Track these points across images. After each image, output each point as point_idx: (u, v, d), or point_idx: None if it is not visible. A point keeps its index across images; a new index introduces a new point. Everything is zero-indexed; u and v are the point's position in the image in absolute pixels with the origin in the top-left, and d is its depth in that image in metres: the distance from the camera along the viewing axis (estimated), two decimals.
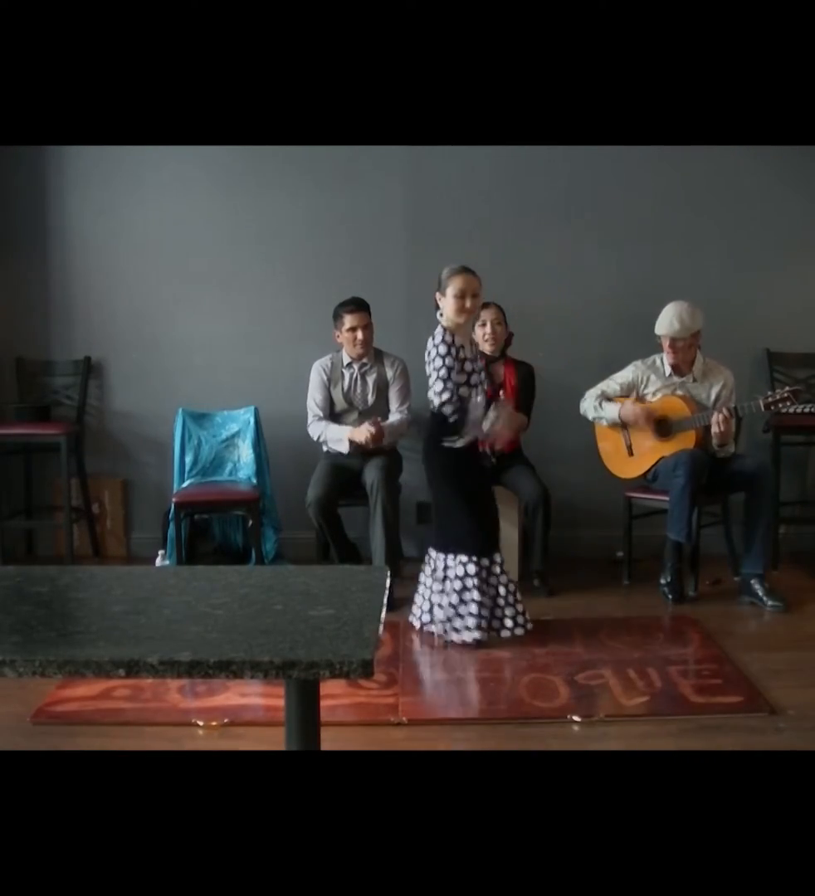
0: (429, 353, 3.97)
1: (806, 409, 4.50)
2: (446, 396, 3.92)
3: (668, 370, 4.80)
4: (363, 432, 4.72)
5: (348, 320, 4.80)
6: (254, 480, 5.11)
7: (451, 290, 3.95)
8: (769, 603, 4.51)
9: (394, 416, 4.90)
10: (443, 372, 3.91)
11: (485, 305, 4.86)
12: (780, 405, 4.47)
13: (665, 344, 4.73)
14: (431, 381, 3.97)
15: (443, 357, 3.91)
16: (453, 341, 3.94)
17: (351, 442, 4.75)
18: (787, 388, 4.50)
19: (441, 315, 4.01)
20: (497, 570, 4.14)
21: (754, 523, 4.59)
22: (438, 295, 4.01)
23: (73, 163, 5.26)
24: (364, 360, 4.89)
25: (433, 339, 3.97)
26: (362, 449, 4.73)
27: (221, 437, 5.23)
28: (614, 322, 5.23)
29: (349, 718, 3.44)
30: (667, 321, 4.68)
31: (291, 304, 5.35)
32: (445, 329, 3.97)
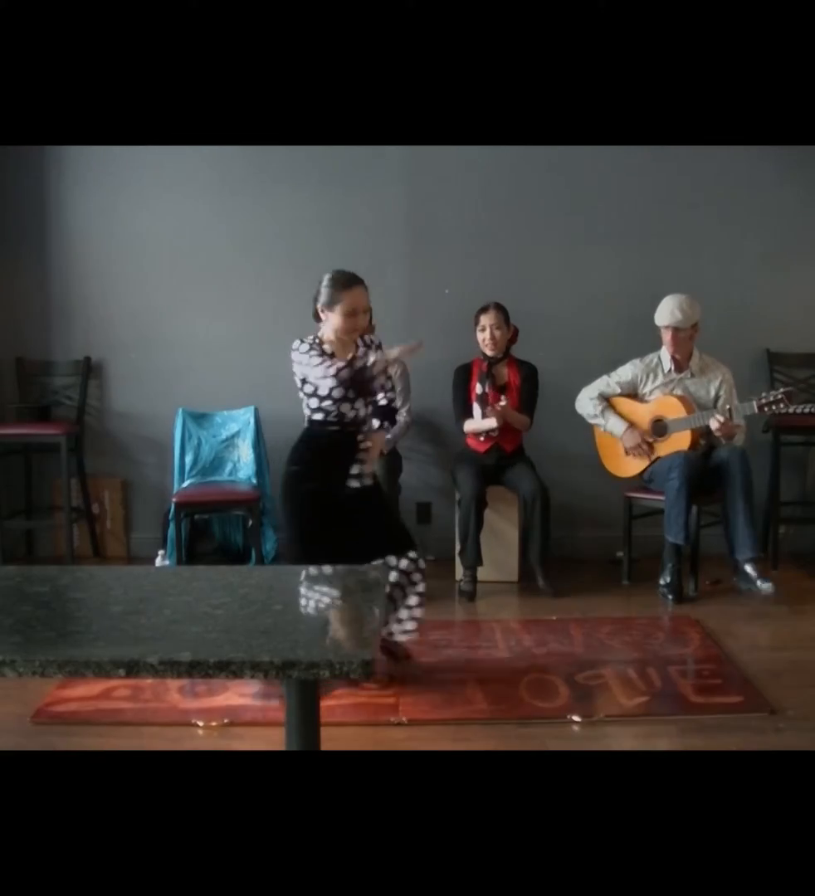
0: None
1: (804, 410, 4.51)
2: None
3: (667, 366, 4.80)
4: None
5: None
6: (254, 480, 5.11)
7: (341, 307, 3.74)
8: (762, 585, 4.52)
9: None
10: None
11: (484, 309, 4.86)
12: (774, 407, 4.48)
13: (667, 336, 4.73)
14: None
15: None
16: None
17: None
18: (781, 391, 4.50)
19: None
20: None
21: (733, 509, 4.59)
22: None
23: (74, 163, 5.26)
24: None
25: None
26: None
27: (221, 437, 5.23)
28: (615, 322, 5.23)
29: (349, 718, 3.44)
30: (668, 311, 4.68)
31: (292, 304, 5.33)
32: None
